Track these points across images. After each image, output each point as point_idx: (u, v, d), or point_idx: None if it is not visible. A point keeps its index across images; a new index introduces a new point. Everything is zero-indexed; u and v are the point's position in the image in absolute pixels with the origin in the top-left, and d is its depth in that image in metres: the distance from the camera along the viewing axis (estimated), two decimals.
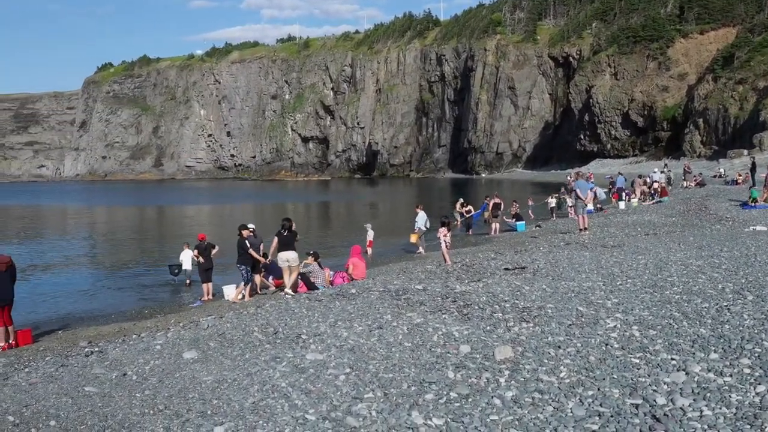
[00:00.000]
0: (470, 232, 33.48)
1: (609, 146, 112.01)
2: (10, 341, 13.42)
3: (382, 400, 6.46)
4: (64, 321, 17.70)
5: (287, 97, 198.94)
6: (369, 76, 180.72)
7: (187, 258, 22.14)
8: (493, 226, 32.06)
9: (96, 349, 10.98)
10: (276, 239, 17.29)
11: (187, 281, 22.36)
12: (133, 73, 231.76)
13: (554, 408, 5.93)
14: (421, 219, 26.73)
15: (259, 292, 18.20)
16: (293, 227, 17.43)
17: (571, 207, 36.30)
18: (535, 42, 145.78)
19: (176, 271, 22.63)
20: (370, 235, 27.41)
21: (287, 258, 16.85)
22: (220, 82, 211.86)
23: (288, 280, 16.91)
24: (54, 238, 43.59)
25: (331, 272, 18.69)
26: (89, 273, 28.03)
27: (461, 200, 35.56)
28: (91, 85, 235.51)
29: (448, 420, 5.85)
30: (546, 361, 7.28)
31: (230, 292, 18.63)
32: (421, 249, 26.48)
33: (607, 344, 7.70)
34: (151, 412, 6.59)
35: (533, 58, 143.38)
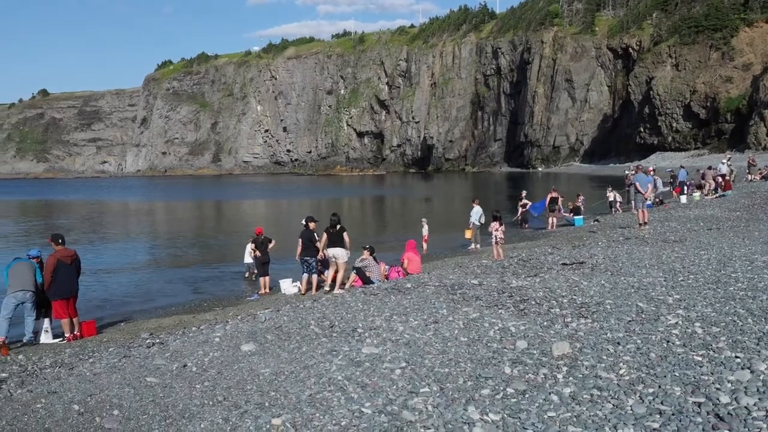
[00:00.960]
0: (527, 226, 33.22)
1: (670, 139, 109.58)
2: (75, 332, 13.81)
3: (438, 394, 6.44)
4: (126, 313, 18.13)
5: (342, 92, 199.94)
6: (424, 70, 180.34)
7: (247, 251, 22.42)
8: (550, 220, 31.73)
9: (157, 340, 11.22)
10: (324, 235, 17.42)
11: (246, 274, 22.60)
12: (191, 70, 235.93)
13: (613, 405, 5.83)
14: (476, 214, 26.57)
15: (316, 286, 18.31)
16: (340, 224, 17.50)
17: (618, 203, 35.64)
18: (593, 33, 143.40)
19: None
20: (426, 230, 27.39)
21: (334, 254, 16.98)
22: (276, 78, 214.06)
23: (337, 275, 16.99)
24: (116, 233, 44.69)
25: (387, 266, 18.71)
26: (150, 266, 28.64)
27: (525, 192, 35.31)
28: (152, 83, 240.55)
29: (505, 416, 5.80)
30: (605, 357, 7.16)
31: (287, 285, 18.83)
32: (476, 244, 26.36)
33: (668, 341, 7.54)
34: (211, 402, 6.70)
35: (591, 49, 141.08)
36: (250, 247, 21.05)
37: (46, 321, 14.11)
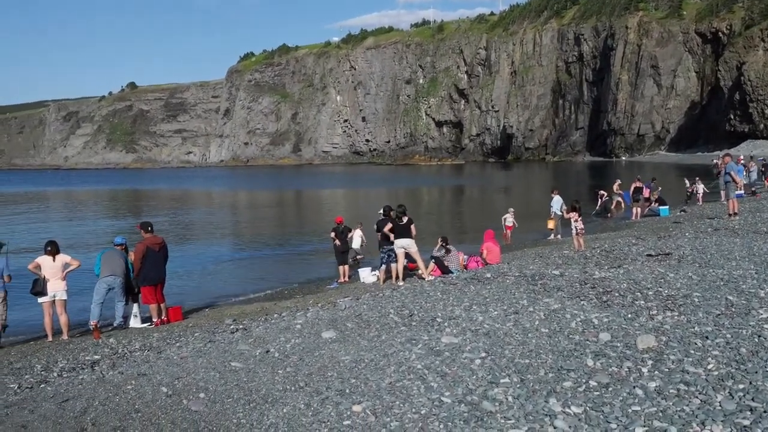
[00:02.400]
0: (610, 216, 32.58)
1: (762, 126, 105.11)
2: (163, 317, 14.28)
3: (518, 385, 6.38)
4: (210, 299, 18.63)
5: (421, 81, 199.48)
6: (504, 59, 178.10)
7: (356, 237, 22.50)
8: (634, 210, 30.97)
9: (240, 326, 11.49)
10: (390, 225, 17.31)
11: (351, 261, 22.42)
12: (273, 61, 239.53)
13: (701, 401, 5.66)
14: (557, 203, 26.18)
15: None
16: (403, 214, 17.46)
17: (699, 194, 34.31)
18: (680, 17, 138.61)
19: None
20: (510, 220, 27.17)
21: (403, 245, 16.85)
22: (355, 68, 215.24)
23: (399, 268, 16.91)
24: (200, 221, 45.90)
25: (465, 256, 18.61)
26: (233, 254, 29.32)
27: (618, 182, 34.56)
28: (234, 74, 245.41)
29: (587, 409, 5.70)
30: (692, 351, 6.95)
31: (366, 274, 18.96)
32: (557, 234, 25.98)
33: (759, 336, 7.25)
34: (293, 388, 6.81)
35: (678, 34, 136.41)
36: (358, 233, 21.28)
37: (135, 306, 14.64)
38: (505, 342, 7.78)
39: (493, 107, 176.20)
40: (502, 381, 6.52)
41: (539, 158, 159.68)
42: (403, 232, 16.81)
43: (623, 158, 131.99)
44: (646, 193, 32.32)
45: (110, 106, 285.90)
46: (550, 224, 26.65)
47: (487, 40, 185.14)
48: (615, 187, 33.96)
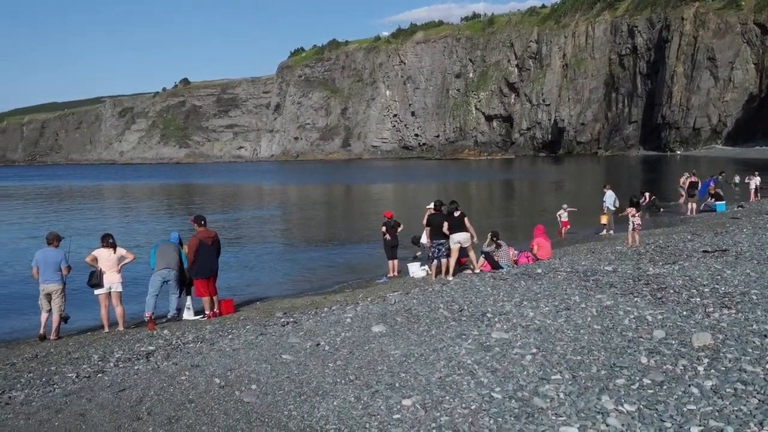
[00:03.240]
0: (662, 210, 32.01)
1: None
2: (215, 310, 14.49)
3: (570, 382, 6.31)
4: (261, 292, 18.84)
5: (471, 75, 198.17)
6: (555, 52, 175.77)
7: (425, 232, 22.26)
8: (690, 206, 30.32)
9: (291, 319, 11.60)
10: (446, 224, 17.30)
11: (418, 253, 21.80)
12: (323, 56, 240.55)
13: (759, 401, 5.52)
14: (610, 198, 25.82)
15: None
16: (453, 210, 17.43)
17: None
18: (738, 8, 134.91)
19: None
20: (565, 215, 26.87)
21: (459, 240, 16.82)
22: (405, 63, 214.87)
23: (450, 262, 16.90)
24: (251, 215, 46.42)
25: (516, 252, 18.48)
26: (283, 248, 29.60)
27: (686, 174, 33.88)
28: (285, 70, 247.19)
29: (641, 407, 5.62)
30: (750, 350, 6.78)
31: (415, 269, 18.96)
32: (609, 230, 25.61)
33: None
34: (343, 381, 6.85)
35: (736, 25, 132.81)
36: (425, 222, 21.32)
37: (188, 299, 14.89)
38: (556, 338, 7.70)
39: (544, 101, 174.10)
40: (553, 377, 6.46)
41: (591, 152, 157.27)
42: (457, 226, 16.79)
43: (678, 152, 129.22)
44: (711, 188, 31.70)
45: (164, 102, 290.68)
46: (603, 219, 26.26)
47: (539, 33, 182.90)
48: (681, 180, 33.23)
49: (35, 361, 10.75)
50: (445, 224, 17.02)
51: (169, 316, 14.57)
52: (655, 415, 5.43)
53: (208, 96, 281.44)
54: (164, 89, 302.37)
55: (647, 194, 32.27)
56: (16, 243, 31.80)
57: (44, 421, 6.42)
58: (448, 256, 17.98)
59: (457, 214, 16.91)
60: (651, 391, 5.95)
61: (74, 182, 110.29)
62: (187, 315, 14.60)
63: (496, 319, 8.76)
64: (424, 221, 17.87)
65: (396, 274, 19.49)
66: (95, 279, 13.68)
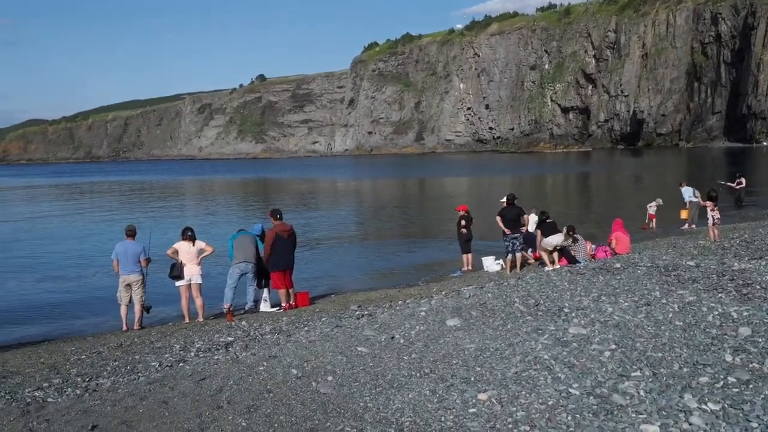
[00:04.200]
0: (743, 204, 30.99)
1: None
2: (291, 302, 14.72)
3: (650, 379, 6.15)
4: (336, 285, 19.05)
5: (547, 66, 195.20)
6: (634, 41, 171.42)
7: (531, 222, 22.04)
8: None
9: (366, 312, 11.67)
10: (539, 232, 17.74)
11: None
12: (396, 50, 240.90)
13: None
14: (687, 192, 25.31)
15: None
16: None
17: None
18: None
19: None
20: (654, 208, 26.30)
21: (555, 242, 17.15)
22: (479, 55, 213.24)
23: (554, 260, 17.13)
24: (326, 209, 46.93)
25: (593, 246, 18.17)
26: (357, 241, 29.83)
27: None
28: (359, 65, 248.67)
29: (725, 406, 5.43)
30: None
31: (489, 263, 18.86)
32: (691, 224, 24.91)
33: None
34: (418, 374, 6.86)
35: None
36: (534, 217, 21.30)
37: (265, 291, 15.18)
38: (636, 334, 7.52)
39: (622, 92, 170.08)
40: (633, 374, 6.31)
41: (672, 144, 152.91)
42: (552, 231, 17.24)
43: (765, 143, 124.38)
44: None
45: (241, 98, 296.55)
46: (684, 214, 25.63)
47: (617, 23, 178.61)
48: None
49: (120, 350, 11.14)
50: (525, 217, 17.91)
51: (246, 308, 14.88)
52: (740, 414, 5.25)
53: (284, 92, 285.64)
54: (241, 85, 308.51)
55: (743, 179, 31.43)
56: (98, 236, 32.96)
57: (129, 408, 6.64)
58: (522, 250, 17.89)
59: (549, 221, 17.73)
60: (736, 389, 5.75)
61: (156, 177, 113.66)
62: (264, 307, 14.87)
63: (573, 314, 8.61)
64: (497, 216, 17.87)
65: (470, 268, 19.41)
66: (176, 271, 14.08)
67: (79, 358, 10.70)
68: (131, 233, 14.05)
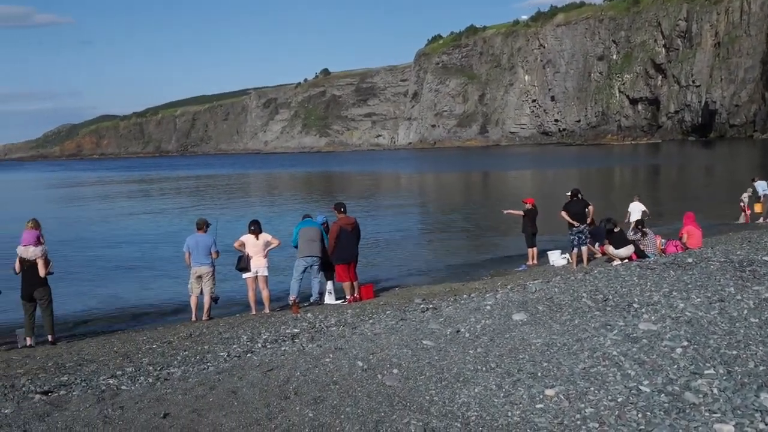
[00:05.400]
0: None
1: None
2: (355, 294, 14.81)
3: (725, 377, 5.98)
4: (399, 278, 19.09)
5: (614, 57, 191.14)
6: (707, 30, 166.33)
7: (636, 211, 21.73)
8: None
9: (430, 306, 11.66)
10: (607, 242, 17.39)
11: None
12: (460, 43, 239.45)
13: None
14: (761, 186, 24.58)
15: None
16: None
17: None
18: None
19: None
20: (746, 199, 25.61)
21: (624, 255, 16.87)
22: (544, 47, 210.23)
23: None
24: (390, 203, 47.03)
25: (663, 240, 17.75)
26: (420, 235, 29.83)
27: None
28: (422, 58, 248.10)
29: None
30: None
31: (555, 257, 18.62)
32: (766, 218, 24.12)
33: None
34: (484, 369, 6.81)
35: None
36: (639, 206, 21.12)
37: (330, 283, 15.30)
38: (709, 331, 7.32)
39: (693, 82, 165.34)
40: (706, 372, 6.14)
41: (746, 136, 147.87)
42: (621, 240, 16.88)
43: None
44: None
45: (305, 93, 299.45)
46: (758, 208, 24.89)
47: (688, 11, 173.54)
48: None
49: (189, 340, 11.40)
50: (590, 209, 17.60)
51: (311, 300, 15.04)
52: None
53: (347, 85, 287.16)
54: (305, 80, 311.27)
55: None
56: (167, 227, 33.77)
57: (200, 397, 6.79)
58: (588, 243, 17.64)
59: (617, 230, 17.17)
60: None
61: (224, 171, 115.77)
62: (329, 299, 15.01)
63: (643, 310, 8.43)
64: (562, 210, 17.63)
65: (535, 262, 19.21)
66: (243, 263, 14.31)
67: (150, 348, 11.00)
68: (202, 226, 14.35)
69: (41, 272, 12.08)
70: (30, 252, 12.05)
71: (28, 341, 12.18)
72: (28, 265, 12.07)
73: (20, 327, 12.49)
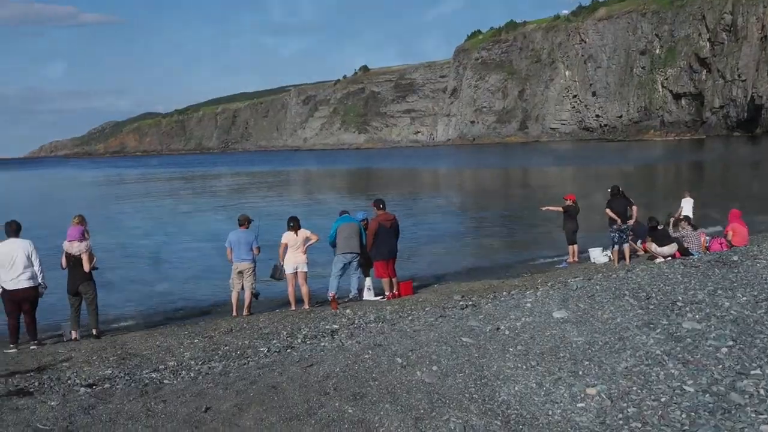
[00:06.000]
0: None
1: None
2: (394, 291, 14.81)
3: None
4: (438, 275, 19.01)
5: (657, 51, 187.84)
6: (753, 23, 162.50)
7: (687, 206, 21.47)
8: None
9: (470, 303, 11.62)
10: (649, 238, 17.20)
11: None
12: (500, 38, 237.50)
13: None
14: None
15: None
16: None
17: None
18: None
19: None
20: None
21: (668, 253, 16.73)
22: (585, 42, 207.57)
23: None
24: (428, 199, 46.95)
25: (708, 238, 17.44)
26: (459, 231, 29.70)
27: None
28: (461, 54, 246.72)
29: None
30: None
31: (597, 254, 18.40)
32: None
33: None
34: (524, 367, 6.77)
35: None
36: (689, 201, 20.88)
37: (368, 279, 15.32)
38: (755, 330, 7.17)
39: (739, 76, 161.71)
40: (752, 372, 6.02)
41: None
42: (664, 238, 16.77)
43: None
44: None
45: (344, 89, 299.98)
46: None
47: (733, 4, 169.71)
48: None
49: (230, 335, 11.51)
50: (634, 208, 17.23)
51: (350, 296, 15.07)
52: None
53: (386, 82, 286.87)
54: (344, 77, 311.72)
55: None
56: (209, 224, 34.13)
57: (240, 392, 6.86)
58: (630, 241, 17.43)
59: (660, 227, 17.09)
60: None
61: (264, 167, 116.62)
62: (368, 295, 15.03)
63: (687, 309, 8.29)
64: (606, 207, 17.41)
65: (576, 259, 19.00)
66: (278, 274, 14.42)
67: (191, 342, 11.13)
68: (243, 222, 14.49)
69: (86, 267, 12.31)
70: (75, 247, 12.28)
71: (74, 335, 12.45)
72: (74, 261, 12.31)
73: (66, 321, 12.77)
